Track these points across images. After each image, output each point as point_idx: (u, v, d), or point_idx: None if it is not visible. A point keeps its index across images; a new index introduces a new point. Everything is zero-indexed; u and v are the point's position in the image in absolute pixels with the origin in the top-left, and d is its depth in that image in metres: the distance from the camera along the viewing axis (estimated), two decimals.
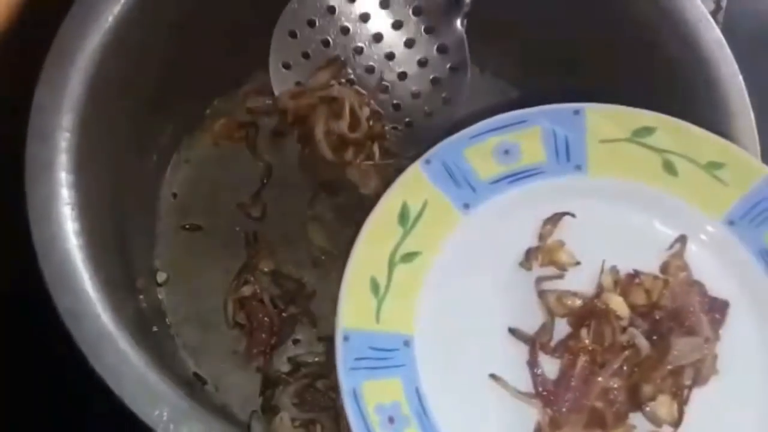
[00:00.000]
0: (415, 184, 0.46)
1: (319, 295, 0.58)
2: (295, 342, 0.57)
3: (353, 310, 0.43)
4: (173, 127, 0.60)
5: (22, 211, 0.43)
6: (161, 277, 0.58)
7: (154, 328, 0.55)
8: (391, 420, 0.42)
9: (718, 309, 0.45)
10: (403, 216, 0.45)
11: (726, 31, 0.50)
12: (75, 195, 0.44)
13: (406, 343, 0.44)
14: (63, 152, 0.44)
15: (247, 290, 0.57)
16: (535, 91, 0.63)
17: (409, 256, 0.45)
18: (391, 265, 0.44)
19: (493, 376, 0.44)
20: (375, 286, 0.44)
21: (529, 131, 0.46)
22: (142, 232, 0.58)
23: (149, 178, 0.59)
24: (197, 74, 0.57)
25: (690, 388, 0.43)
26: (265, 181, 0.60)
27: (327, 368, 0.56)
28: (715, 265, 0.46)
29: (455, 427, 0.43)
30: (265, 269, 0.58)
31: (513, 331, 0.45)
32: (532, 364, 0.44)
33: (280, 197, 0.60)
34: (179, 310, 0.58)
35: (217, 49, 0.57)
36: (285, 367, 0.56)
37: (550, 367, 0.44)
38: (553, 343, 0.44)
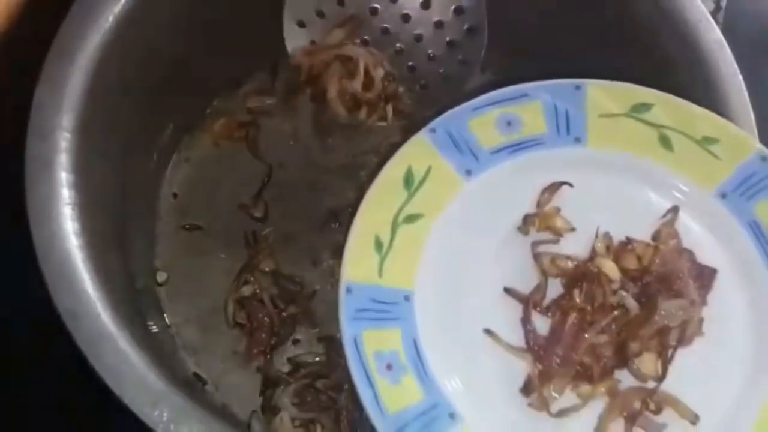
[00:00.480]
0: (420, 150, 0.48)
1: (319, 295, 0.58)
2: (295, 342, 0.57)
3: (357, 265, 0.45)
4: (173, 127, 0.60)
5: (22, 210, 0.43)
6: (161, 277, 0.58)
7: (154, 328, 0.55)
8: (389, 367, 0.44)
9: (706, 276, 0.47)
10: (407, 180, 0.47)
11: (726, 31, 0.50)
12: (75, 195, 0.44)
13: (407, 298, 0.46)
14: (63, 152, 0.44)
15: (247, 290, 0.57)
16: None
17: (412, 218, 0.47)
18: (395, 225, 0.47)
19: (487, 331, 0.46)
20: (379, 244, 0.46)
21: (532, 104, 0.48)
22: (142, 232, 0.58)
23: (149, 178, 0.59)
24: (197, 74, 0.57)
25: (675, 347, 0.45)
26: (265, 181, 0.61)
27: (327, 368, 0.56)
28: (706, 234, 0.48)
29: (450, 377, 0.45)
30: (266, 269, 0.58)
31: (508, 291, 0.47)
32: (525, 321, 0.46)
33: (280, 197, 0.60)
34: (179, 310, 0.58)
35: (217, 49, 0.56)
36: (285, 367, 0.56)
37: (542, 325, 0.46)
38: (545, 303, 0.46)
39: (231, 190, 0.60)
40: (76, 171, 0.45)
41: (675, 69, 0.50)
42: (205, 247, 0.59)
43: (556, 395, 0.45)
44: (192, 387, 0.55)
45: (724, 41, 0.49)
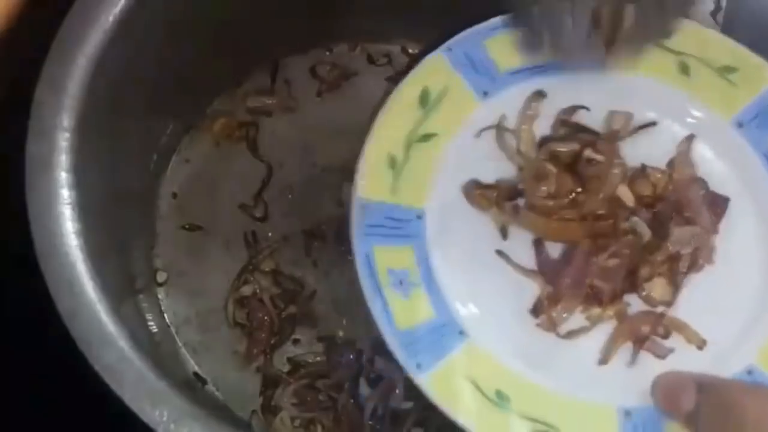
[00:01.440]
0: (437, 69, 0.47)
1: (319, 295, 0.58)
2: (295, 342, 0.57)
3: (370, 182, 0.45)
4: (173, 127, 0.60)
5: (22, 211, 0.43)
6: (161, 277, 0.58)
7: (154, 328, 0.55)
8: (400, 282, 0.43)
9: (718, 204, 0.46)
10: (423, 98, 0.46)
11: (726, 31, 0.50)
12: (75, 195, 0.44)
13: (419, 216, 0.45)
14: (63, 152, 0.44)
15: (247, 290, 0.57)
16: None
17: (427, 137, 0.46)
18: (409, 144, 0.46)
19: (499, 253, 0.45)
20: (392, 162, 0.45)
21: None
22: (142, 232, 0.58)
23: (149, 178, 0.59)
24: (197, 74, 0.57)
25: (685, 274, 0.45)
26: (265, 181, 0.61)
27: (327, 368, 0.56)
28: (720, 163, 0.47)
29: (460, 296, 0.44)
30: (266, 269, 0.58)
31: None
32: (538, 243, 0.46)
33: (281, 197, 0.60)
34: (179, 310, 0.58)
35: (217, 49, 0.57)
36: (285, 367, 0.56)
37: (554, 247, 0.46)
38: None
39: (231, 190, 0.60)
40: (76, 171, 0.44)
41: None
42: (205, 247, 0.59)
43: (566, 317, 0.44)
44: (192, 387, 0.55)
45: None
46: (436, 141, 0.46)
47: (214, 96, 0.63)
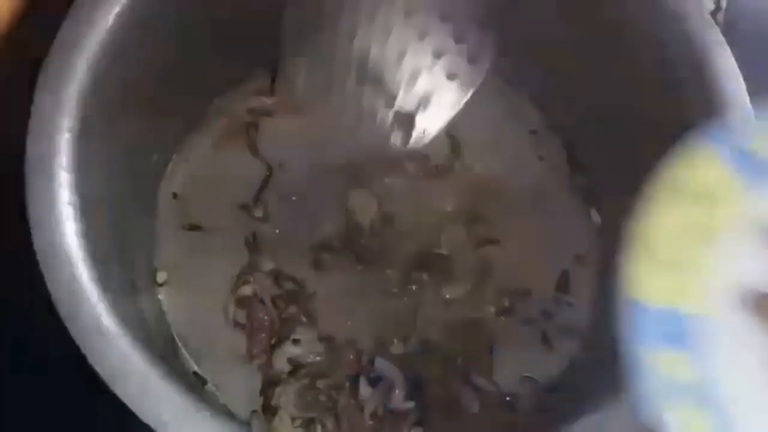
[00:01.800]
0: (701, 159, 0.43)
1: (319, 295, 0.58)
2: (295, 342, 0.57)
3: (641, 281, 0.41)
4: (173, 127, 0.60)
5: (22, 211, 0.43)
6: (161, 277, 0.58)
7: (155, 329, 0.55)
8: (675, 389, 0.40)
9: None
10: (688, 189, 0.43)
11: (726, 31, 0.50)
12: (75, 195, 0.44)
13: (695, 321, 0.41)
14: (63, 152, 0.44)
15: (247, 290, 0.57)
16: (534, 90, 0.64)
17: (698, 233, 0.43)
18: (679, 241, 0.42)
19: None
20: (663, 261, 0.42)
21: None
22: (142, 232, 0.58)
23: (149, 178, 0.59)
24: (197, 74, 0.57)
25: None
26: (265, 181, 0.61)
27: (327, 368, 0.56)
28: None
29: (744, 413, 0.40)
30: (266, 269, 0.58)
31: None
32: None
33: (281, 197, 0.60)
34: (179, 310, 0.58)
35: (217, 49, 0.57)
36: (285, 367, 0.56)
37: None
38: None
39: (231, 190, 0.60)
40: (76, 171, 0.44)
41: (674, 69, 0.50)
42: (205, 247, 0.59)
43: None
44: (192, 387, 0.55)
45: (724, 41, 0.49)
46: (709, 238, 0.42)
47: (214, 96, 0.63)
